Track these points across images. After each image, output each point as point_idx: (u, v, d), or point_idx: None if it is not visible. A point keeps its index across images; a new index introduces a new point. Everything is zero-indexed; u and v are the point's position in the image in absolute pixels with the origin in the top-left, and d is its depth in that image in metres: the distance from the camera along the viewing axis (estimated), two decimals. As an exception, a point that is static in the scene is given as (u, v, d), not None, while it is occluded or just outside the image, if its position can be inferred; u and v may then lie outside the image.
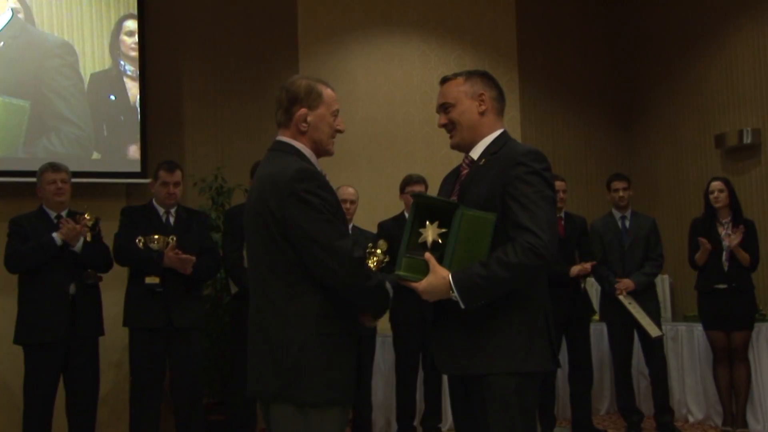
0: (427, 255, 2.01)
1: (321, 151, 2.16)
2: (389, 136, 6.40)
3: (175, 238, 4.00)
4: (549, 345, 2.07)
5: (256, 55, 6.07)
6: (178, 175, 4.14)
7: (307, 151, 2.12)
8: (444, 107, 2.18)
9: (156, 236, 3.96)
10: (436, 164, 6.45)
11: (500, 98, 2.21)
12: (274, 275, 2.01)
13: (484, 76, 2.21)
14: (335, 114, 2.16)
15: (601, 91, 7.00)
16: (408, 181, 4.70)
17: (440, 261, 2.01)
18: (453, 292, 1.96)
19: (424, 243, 2.06)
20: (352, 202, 4.58)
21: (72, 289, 3.86)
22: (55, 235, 3.82)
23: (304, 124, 2.11)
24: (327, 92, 2.14)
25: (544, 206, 1.96)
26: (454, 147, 2.22)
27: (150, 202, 4.19)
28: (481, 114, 2.15)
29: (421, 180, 4.66)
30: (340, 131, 2.19)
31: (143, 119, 5.51)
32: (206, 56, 6.03)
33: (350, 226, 4.57)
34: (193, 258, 3.97)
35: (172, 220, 4.14)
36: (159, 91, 5.80)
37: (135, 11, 5.46)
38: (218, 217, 5.41)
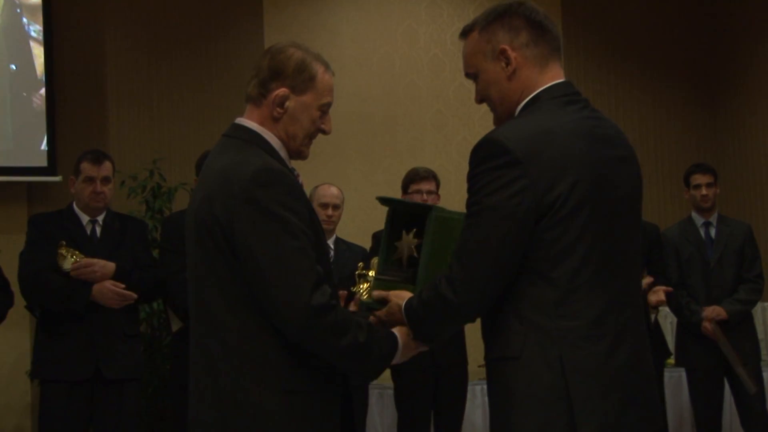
0: (379, 295, 2.15)
1: (292, 149, 2.19)
2: (387, 117, 6.43)
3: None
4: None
5: (204, 6, 6.12)
6: (107, 167, 4.13)
7: (275, 142, 2.16)
8: (471, 78, 2.18)
9: (64, 251, 3.93)
10: (450, 153, 6.46)
11: (537, 40, 2.09)
12: (225, 305, 2.04)
13: (506, 15, 2.12)
14: (324, 109, 2.19)
15: (677, 55, 7.03)
16: (413, 178, 4.68)
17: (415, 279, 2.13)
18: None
19: (400, 260, 2.14)
20: (335, 207, 4.59)
21: None
22: None
23: (280, 110, 2.14)
24: (323, 77, 2.18)
25: (479, 222, 1.94)
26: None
27: (69, 208, 4.19)
28: (510, 77, 2.09)
29: (429, 175, 4.65)
30: (323, 132, 2.22)
31: (50, 96, 5.56)
32: (135, 10, 6.03)
33: (332, 240, 4.58)
34: (134, 295, 3.99)
35: (98, 230, 4.15)
36: (71, 57, 5.81)
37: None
38: (155, 227, 5.41)
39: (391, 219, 2.21)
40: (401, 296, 2.12)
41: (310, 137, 2.20)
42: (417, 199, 4.50)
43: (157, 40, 6.06)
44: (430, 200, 4.51)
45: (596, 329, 1.94)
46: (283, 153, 2.17)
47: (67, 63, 5.79)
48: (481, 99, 2.16)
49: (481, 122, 6.44)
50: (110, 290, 3.93)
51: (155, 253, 4.91)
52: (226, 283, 2.04)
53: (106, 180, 4.13)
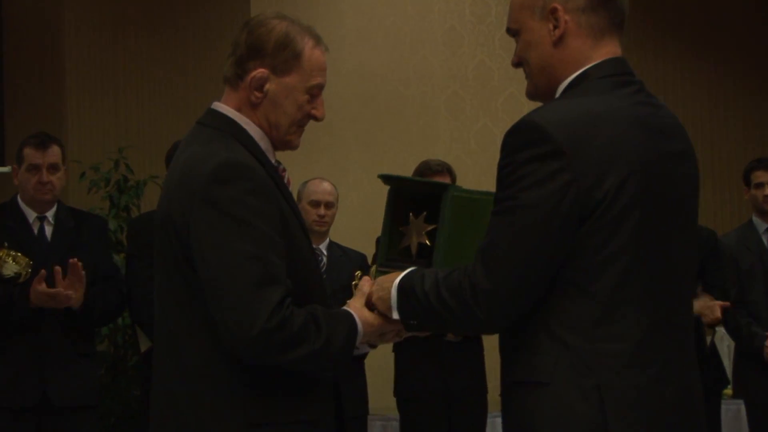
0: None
1: (276, 139, 2.20)
2: (394, 100, 6.38)
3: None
4: None
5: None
6: (54, 153, 4.09)
7: (255, 131, 2.17)
8: (511, 34, 2.17)
9: (3, 254, 3.89)
10: (468, 143, 6.37)
11: (596, 7, 2.06)
12: (184, 324, 2.08)
13: None
14: (313, 92, 2.18)
15: (737, 36, 6.97)
16: (424, 172, 4.65)
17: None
18: (393, 291, 2.09)
19: (408, 248, 2.16)
20: (329, 205, 4.57)
21: None
22: None
23: (258, 94, 2.15)
24: (312, 54, 2.17)
25: (513, 221, 1.91)
26: (530, 99, 2.21)
27: (12, 201, 4.16)
28: (556, 43, 2.06)
29: (443, 169, 4.65)
30: (314, 118, 2.21)
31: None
32: None
33: (325, 244, 4.58)
34: (70, 293, 3.88)
35: (48, 230, 4.11)
36: (23, 28, 5.76)
37: None
38: (120, 228, 5.36)
39: (394, 199, 2.23)
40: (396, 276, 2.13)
41: (298, 125, 2.19)
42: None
43: (124, 10, 6.02)
44: None
45: (641, 354, 1.91)
46: (264, 143, 2.17)
47: (18, 35, 5.76)
48: (518, 62, 2.13)
49: (505, 107, 6.37)
50: (42, 293, 3.83)
51: (120, 259, 4.86)
52: (184, 298, 2.07)
53: (53, 168, 4.06)
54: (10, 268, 3.88)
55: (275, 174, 2.14)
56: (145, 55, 6.05)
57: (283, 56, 2.13)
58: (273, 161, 2.18)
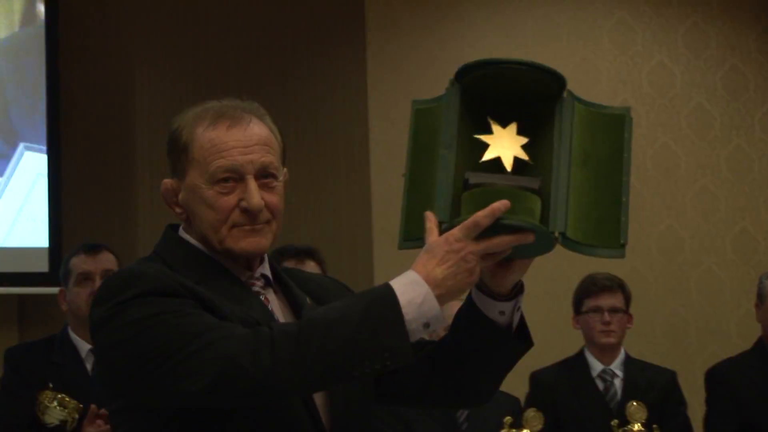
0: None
1: (219, 252, 2.24)
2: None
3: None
4: None
5: (279, 28, 6.44)
6: (108, 259, 4.30)
7: (202, 249, 2.27)
8: None
9: (47, 398, 3.96)
10: (684, 214, 6.51)
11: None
12: None
13: None
14: (218, 176, 2.20)
15: None
16: (589, 289, 5.00)
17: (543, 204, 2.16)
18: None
19: (496, 161, 2.17)
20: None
21: None
22: None
23: (179, 210, 2.28)
24: (201, 138, 2.22)
25: None
26: None
27: (63, 332, 4.33)
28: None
29: (615, 285, 4.97)
30: (246, 212, 2.20)
31: (55, 164, 5.80)
32: (171, 36, 6.28)
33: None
34: None
35: None
36: (84, 105, 6.06)
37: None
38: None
39: (461, 98, 2.21)
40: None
41: (230, 225, 2.20)
42: (596, 324, 4.86)
43: (209, 71, 6.22)
44: (614, 323, 4.84)
45: None
46: (230, 262, 2.26)
47: (78, 115, 6.00)
48: None
49: (764, 124, 6.47)
50: None
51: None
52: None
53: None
54: (54, 415, 3.97)
55: (222, 289, 2.18)
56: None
57: (174, 155, 2.25)
58: (252, 277, 2.27)
